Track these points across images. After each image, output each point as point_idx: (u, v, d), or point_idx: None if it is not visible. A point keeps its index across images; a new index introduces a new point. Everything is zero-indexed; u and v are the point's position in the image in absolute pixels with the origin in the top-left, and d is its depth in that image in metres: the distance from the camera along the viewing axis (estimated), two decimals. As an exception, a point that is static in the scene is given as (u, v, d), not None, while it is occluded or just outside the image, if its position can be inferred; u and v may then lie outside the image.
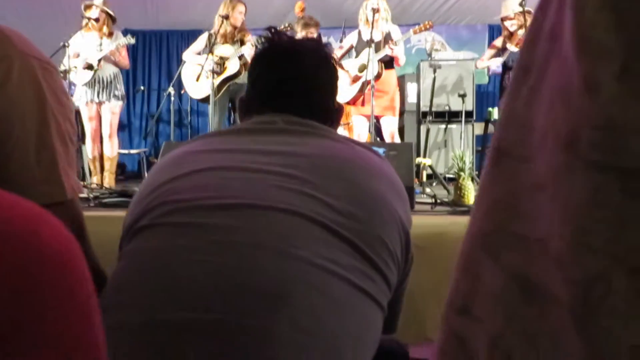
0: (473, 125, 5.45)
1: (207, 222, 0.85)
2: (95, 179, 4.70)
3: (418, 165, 4.38)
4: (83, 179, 4.95)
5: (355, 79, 4.66)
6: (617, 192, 0.22)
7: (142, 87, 7.13)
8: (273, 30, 1.10)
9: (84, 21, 4.61)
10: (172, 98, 6.07)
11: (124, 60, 4.73)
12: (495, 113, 4.98)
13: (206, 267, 0.81)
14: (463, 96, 5.26)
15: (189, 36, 6.74)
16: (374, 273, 0.87)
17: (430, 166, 4.12)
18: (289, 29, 4.50)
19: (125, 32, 4.94)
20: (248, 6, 4.66)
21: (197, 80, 4.63)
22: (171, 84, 5.73)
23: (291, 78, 1.06)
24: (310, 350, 0.78)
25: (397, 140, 4.75)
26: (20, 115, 0.70)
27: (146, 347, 0.77)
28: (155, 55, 7.74)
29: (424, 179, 4.24)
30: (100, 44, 4.55)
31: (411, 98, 5.84)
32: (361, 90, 4.54)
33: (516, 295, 0.25)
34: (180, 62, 5.19)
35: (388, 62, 4.61)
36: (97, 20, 4.56)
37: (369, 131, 4.52)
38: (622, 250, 0.21)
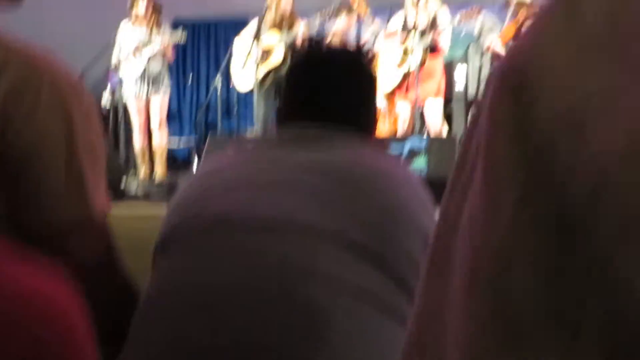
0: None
1: (233, 244, 0.89)
2: (142, 171, 4.85)
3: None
4: (135, 171, 5.06)
5: (402, 62, 4.59)
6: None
7: (191, 77, 7.27)
8: (310, 41, 1.12)
9: (133, 11, 4.67)
10: (219, 92, 6.14)
11: (171, 55, 4.81)
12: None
13: (236, 290, 0.85)
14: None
15: (237, 26, 6.79)
16: (400, 290, 0.88)
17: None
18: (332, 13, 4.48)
19: (174, 24, 5.03)
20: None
21: (243, 68, 4.66)
22: (217, 75, 5.79)
23: (324, 89, 1.07)
24: None
25: (439, 120, 4.67)
26: (48, 143, 0.73)
27: None
28: (204, 46, 7.86)
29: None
30: (149, 38, 4.63)
31: (459, 86, 5.66)
32: (405, 78, 4.50)
33: None
34: (227, 51, 5.25)
35: (432, 47, 4.51)
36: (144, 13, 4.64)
37: (413, 117, 4.49)
38: None
